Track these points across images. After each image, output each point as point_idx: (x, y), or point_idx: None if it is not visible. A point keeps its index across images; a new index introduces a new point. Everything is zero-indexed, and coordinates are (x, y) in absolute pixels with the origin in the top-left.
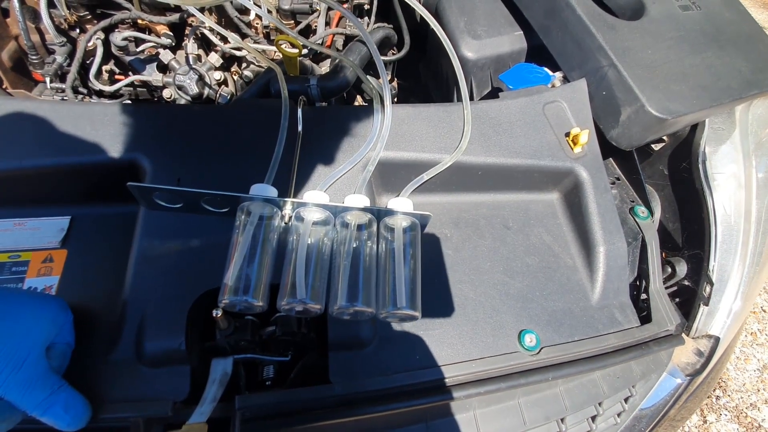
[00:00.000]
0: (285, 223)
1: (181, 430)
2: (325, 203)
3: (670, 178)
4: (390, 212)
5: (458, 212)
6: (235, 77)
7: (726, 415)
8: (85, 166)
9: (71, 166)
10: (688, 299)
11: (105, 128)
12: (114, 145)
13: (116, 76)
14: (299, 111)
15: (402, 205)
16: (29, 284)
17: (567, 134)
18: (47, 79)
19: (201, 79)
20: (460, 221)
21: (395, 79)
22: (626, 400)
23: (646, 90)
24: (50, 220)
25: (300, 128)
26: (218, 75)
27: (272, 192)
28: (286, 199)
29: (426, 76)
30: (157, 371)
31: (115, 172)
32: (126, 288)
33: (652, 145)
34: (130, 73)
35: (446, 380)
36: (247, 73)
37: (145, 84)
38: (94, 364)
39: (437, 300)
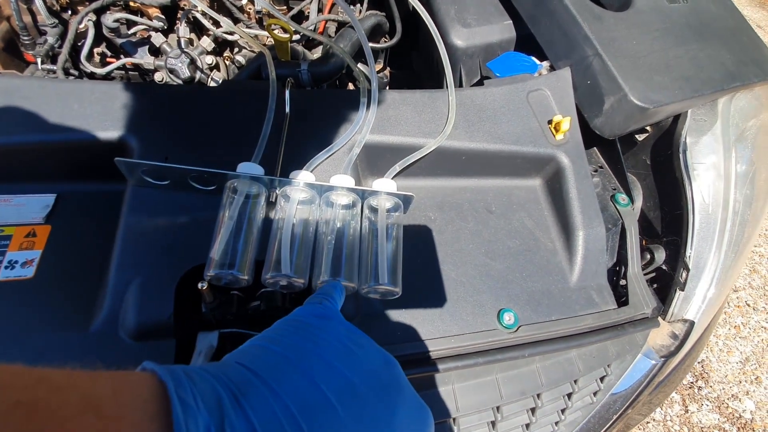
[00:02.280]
0: (271, 201)
1: None
2: (310, 182)
3: (652, 167)
4: (374, 193)
5: (442, 196)
6: (227, 62)
7: (708, 405)
8: (71, 144)
9: (58, 144)
10: (666, 285)
11: (93, 106)
12: (102, 124)
13: (108, 59)
14: (287, 92)
15: (386, 186)
16: (10, 257)
17: (549, 122)
18: (38, 60)
19: (192, 63)
20: (444, 205)
21: (387, 67)
22: (602, 379)
23: (629, 80)
24: (35, 197)
25: (288, 109)
26: (210, 59)
27: (259, 170)
28: (272, 177)
29: (418, 65)
30: (141, 344)
31: (102, 151)
32: (112, 262)
33: (636, 136)
34: (122, 55)
35: (426, 354)
36: (238, 58)
37: (136, 67)
38: (73, 335)
39: (419, 279)
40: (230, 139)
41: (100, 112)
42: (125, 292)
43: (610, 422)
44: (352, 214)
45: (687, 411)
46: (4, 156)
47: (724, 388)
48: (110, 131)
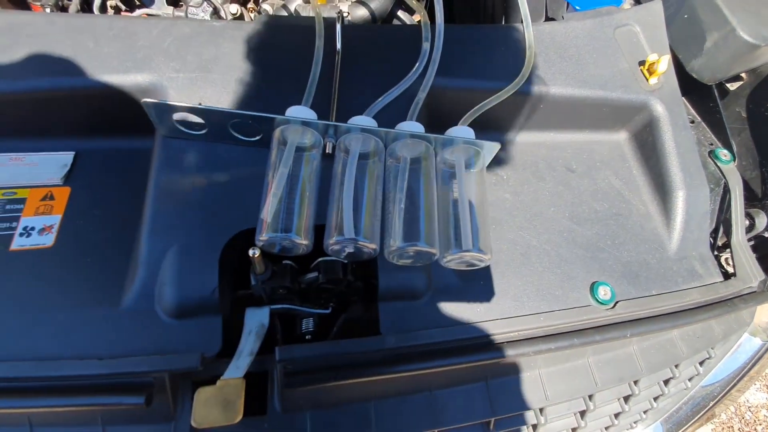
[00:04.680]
0: (327, 153)
1: (215, 385)
2: (374, 128)
3: (749, 121)
4: (451, 142)
5: (514, 153)
6: (253, 13)
7: (756, 384)
8: (88, 91)
9: (72, 90)
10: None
11: (111, 44)
12: (122, 65)
13: (122, 13)
14: (338, 27)
15: (463, 133)
16: (25, 223)
17: (641, 63)
18: (47, 11)
19: (216, 12)
20: (518, 163)
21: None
22: (701, 363)
23: (737, 12)
24: (51, 156)
25: (339, 46)
26: (234, 8)
27: (311, 114)
28: (328, 123)
29: (460, 7)
30: (182, 322)
31: (123, 98)
32: (143, 227)
33: (727, 84)
34: (137, 7)
35: (509, 335)
36: (265, 6)
37: None
38: (102, 312)
39: (496, 248)
40: (274, 80)
41: (120, 51)
42: (160, 262)
43: (705, 409)
44: (425, 168)
45: None
46: (9, 106)
47: None
48: (132, 73)
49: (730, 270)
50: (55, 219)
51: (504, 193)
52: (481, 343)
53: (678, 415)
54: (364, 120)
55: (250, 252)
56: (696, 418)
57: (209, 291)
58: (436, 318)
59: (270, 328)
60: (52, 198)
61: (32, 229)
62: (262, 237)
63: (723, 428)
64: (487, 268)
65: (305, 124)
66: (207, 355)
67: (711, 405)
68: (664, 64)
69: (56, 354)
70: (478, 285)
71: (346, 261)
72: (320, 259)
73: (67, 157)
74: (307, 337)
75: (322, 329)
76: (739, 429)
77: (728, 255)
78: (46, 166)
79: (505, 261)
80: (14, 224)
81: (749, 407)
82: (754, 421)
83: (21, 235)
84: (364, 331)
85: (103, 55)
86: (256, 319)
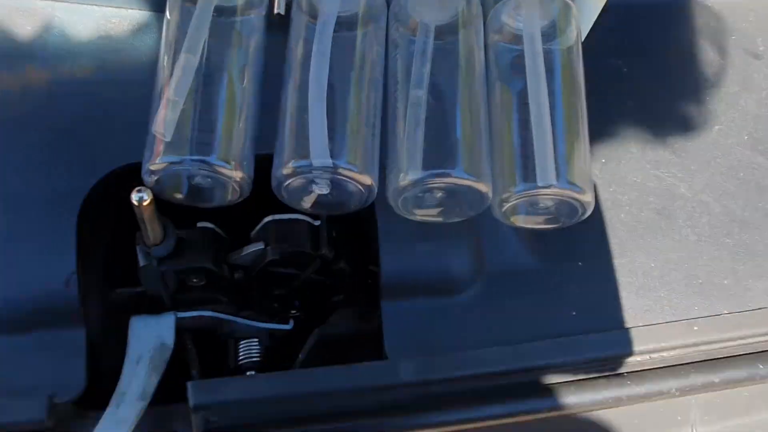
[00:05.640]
0: (277, 14)
1: None
2: None
3: None
4: None
5: (648, 16)
6: None
7: None
8: None
9: None
10: None
11: None
12: None
13: None
14: None
15: None
16: None
17: None
18: None
19: None
20: (653, 35)
21: None
22: None
23: None
24: None
25: None
26: None
27: None
28: None
29: None
30: (14, 340)
31: None
32: None
33: None
34: None
35: (636, 359)
36: None
37: None
38: None
39: (612, 197)
40: None
41: None
42: None
43: None
44: (464, 43)
45: None
46: None
47: None
48: None
49: None
50: None
51: (623, 94)
52: (577, 376)
53: None
54: None
55: (134, 197)
56: None
57: (61, 280)
58: (488, 329)
59: (178, 351)
60: None
61: None
62: (155, 165)
63: None
64: (588, 236)
65: None
66: (60, 400)
67: None
68: None
69: None
70: (572, 267)
71: (316, 216)
72: (269, 217)
73: None
74: (248, 374)
75: (279, 354)
76: None
77: None
78: None
79: (626, 221)
80: None
81: None
82: None
83: None
84: (357, 353)
85: None
86: (151, 336)
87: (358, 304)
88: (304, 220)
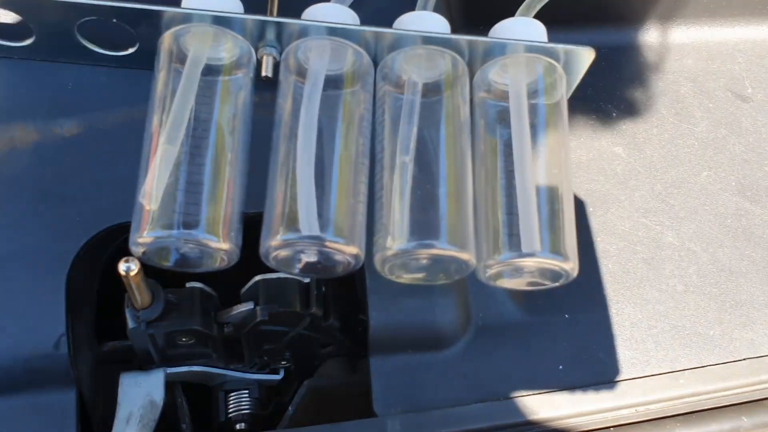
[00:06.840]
0: (265, 76)
1: None
2: (352, 26)
3: None
4: (501, 47)
5: (631, 67)
6: None
7: None
8: None
9: None
10: None
11: None
12: None
13: None
14: None
15: (523, 31)
16: None
17: None
18: None
19: None
20: (637, 87)
21: None
22: None
23: None
24: None
25: None
26: None
27: (233, 4)
28: (264, 18)
29: None
30: (4, 402)
31: None
32: None
33: None
34: None
35: (622, 413)
36: None
37: None
38: None
39: (601, 248)
40: None
41: None
42: None
43: None
44: (451, 102)
45: None
46: None
47: None
48: None
49: None
50: None
51: (612, 145)
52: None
53: None
54: (334, 11)
55: (121, 268)
56: None
57: (50, 343)
58: (475, 384)
59: (169, 407)
60: None
61: None
62: (142, 238)
63: None
64: (574, 288)
65: (219, 21)
66: None
67: None
68: None
69: None
70: (558, 320)
71: (304, 278)
72: (258, 277)
73: None
74: (238, 426)
75: (270, 409)
76: None
77: None
78: None
79: (614, 271)
80: None
81: None
82: None
83: None
84: (346, 409)
85: None
86: (140, 393)
87: (347, 355)
88: (293, 279)
